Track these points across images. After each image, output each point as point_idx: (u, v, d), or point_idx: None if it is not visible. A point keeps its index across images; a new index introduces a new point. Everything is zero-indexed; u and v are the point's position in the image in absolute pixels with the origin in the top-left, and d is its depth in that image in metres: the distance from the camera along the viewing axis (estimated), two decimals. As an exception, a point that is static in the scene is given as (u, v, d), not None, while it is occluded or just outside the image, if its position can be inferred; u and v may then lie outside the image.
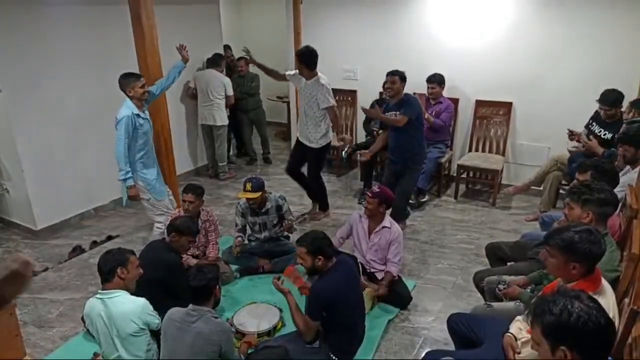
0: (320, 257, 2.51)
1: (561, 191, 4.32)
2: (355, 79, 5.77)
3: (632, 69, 4.18)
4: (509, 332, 2.01)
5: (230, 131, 6.07)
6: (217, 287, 2.42)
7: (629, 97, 3.90)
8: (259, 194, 3.46)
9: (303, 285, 2.85)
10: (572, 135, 3.99)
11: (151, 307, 2.44)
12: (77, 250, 4.14)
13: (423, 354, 2.58)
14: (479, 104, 5.07)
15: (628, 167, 3.20)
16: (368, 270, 3.35)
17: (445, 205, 4.94)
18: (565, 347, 1.37)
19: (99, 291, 2.41)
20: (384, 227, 3.28)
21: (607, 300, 1.85)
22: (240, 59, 6.04)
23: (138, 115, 3.46)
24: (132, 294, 2.43)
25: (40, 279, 3.68)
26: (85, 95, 4.49)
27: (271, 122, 7.39)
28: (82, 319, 2.75)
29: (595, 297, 1.53)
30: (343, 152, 4.45)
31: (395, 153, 4.14)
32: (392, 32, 5.29)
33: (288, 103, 6.83)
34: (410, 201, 4.52)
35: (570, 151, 4.17)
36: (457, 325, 2.42)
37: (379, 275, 3.30)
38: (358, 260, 3.27)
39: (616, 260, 2.25)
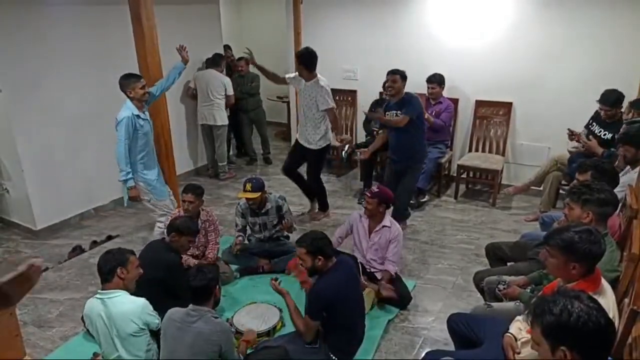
0: (320, 257, 2.51)
1: (561, 191, 4.32)
2: (355, 79, 5.77)
3: (632, 69, 4.17)
4: (509, 332, 2.01)
5: (230, 131, 6.07)
6: (217, 287, 2.42)
7: (629, 97, 3.90)
8: (259, 194, 3.46)
9: (305, 280, 2.85)
10: (572, 135, 3.98)
11: (151, 307, 2.44)
12: (77, 250, 4.14)
13: (423, 354, 2.58)
14: (479, 104, 5.07)
15: (628, 167, 3.20)
16: (368, 270, 3.35)
17: (445, 206, 4.94)
18: (565, 347, 1.37)
19: (99, 291, 2.41)
20: (384, 226, 3.29)
21: (607, 300, 1.85)
22: (240, 59, 6.05)
23: (138, 116, 3.46)
24: (132, 294, 2.43)
25: (40, 279, 3.67)
26: (85, 95, 4.49)
27: (271, 122, 7.39)
28: (82, 319, 2.75)
29: (595, 297, 1.53)
30: (343, 152, 4.46)
31: (396, 152, 4.14)
32: (392, 32, 5.29)
33: (288, 103, 6.84)
34: (410, 201, 4.52)
35: (570, 151, 4.17)
36: (457, 325, 2.42)
37: (379, 276, 3.30)
38: (358, 261, 3.27)
39: (616, 260, 2.25)
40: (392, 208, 3.82)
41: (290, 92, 6.39)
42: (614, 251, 2.26)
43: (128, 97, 3.46)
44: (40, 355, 2.91)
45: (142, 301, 2.41)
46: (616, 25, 4.26)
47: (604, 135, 3.93)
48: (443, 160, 4.98)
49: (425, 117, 4.51)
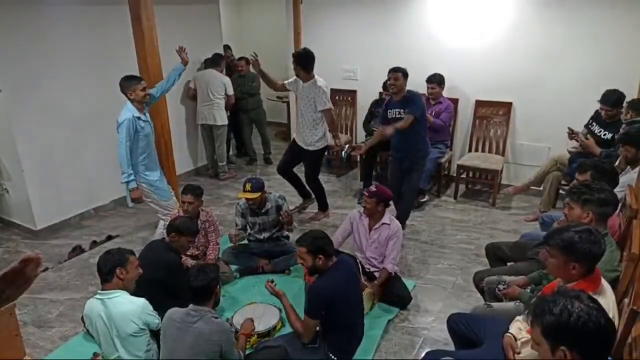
0: (320, 256, 2.51)
1: (561, 191, 4.32)
2: (355, 79, 5.77)
3: (632, 69, 4.17)
4: (509, 332, 2.01)
5: (230, 131, 6.07)
6: (218, 287, 2.42)
7: (629, 97, 3.89)
8: (259, 194, 3.46)
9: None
10: (572, 134, 3.98)
11: (151, 307, 2.44)
12: (77, 250, 4.14)
13: (423, 354, 2.59)
14: (479, 104, 5.07)
15: (628, 167, 3.20)
16: (367, 270, 3.35)
17: (445, 206, 4.94)
18: (565, 347, 1.37)
19: (99, 291, 2.41)
20: (383, 223, 3.30)
21: (607, 300, 1.85)
22: (240, 59, 6.05)
23: (139, 118, 3.46)
24: (132, 294, 2.43)
25: (40, 279, 3.67)
26: (85, 96, 4.49)
27: (271, 122, 7.39)
28: (82, 319, 2.75)
29: (595, 297, 1.52)
30: (343, 153, 4.46)
31: (400, 150, 4.13)
32: (392, 32, 5.30)
33: (288, 103, 6.84)
34: (414, 200, 4.51)
35: (570, 151, 4.17)
36: (457, 325, 2.42)
37: (378, 275, 3.30)
38: (358, 261, 3.27)
39: (616, 260, 2.25)
40: (392, 206, 3.83)
41: (290, 92, 6.38)
42: (614, 251, 2.26)
43: (129, 99, 3.46)
44: (40, 355, 2.91)
45: (142, 301, 2.41)
46: (616, 25, 4.26)
47: (604, 135, 3.93)
48: (443, 160, 4.98)
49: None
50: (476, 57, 4.90)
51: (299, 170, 4.63)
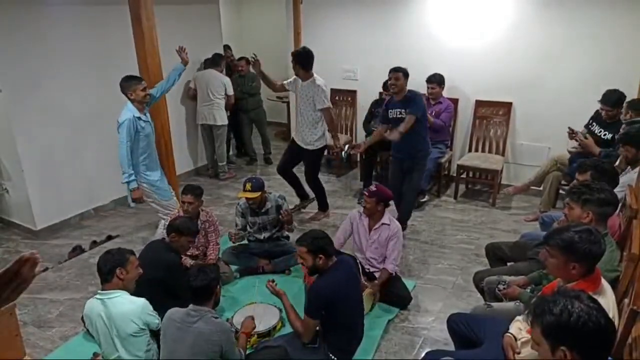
0: (321, 255, 2.50)
1: (561, 191, 4.32)
2: (355, 79, 5.77)
3: (632, 69, 4.17)
4: (509, 332, 2.01)
5: (230, 131, 6.07)
6: (218, 287, 2.42)
7: (629, 97, 3.89)
8: (259, 194, 3.46)
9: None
10: (572, 133, 3.97)
11: (151, 307, 2.44)
12: (77, 250, 4.14)
13: (423, 354, 2.59)
14: (479, 104, 5.07)
15: (628, 167, 3.20)
16: (367, 270, 3.35)
17: (445, 206, 4.94)
18: (565, 347, 1.37)
19: (99, 291, 2.41)
20: (383, 224, 3.30)
21: (607, 300, 1.85)
22: (240, 59, 6.05)
23: (139, 118, 3.47)
24: (132, 294, 2.43)
25: (40, 279, 3.68)
26: (85, 96, 4.49)
27: (271, 122, 7.39)
28: (82, 319, 2.75)
29: (595, 297, 1.52)
30: (343, 153, 4.46)
31: (401, 150, 4.13)
32: (392, 32, 5.29)
33: (288, 103, 6.84)
34: (415, 200, 4.51)
35: (570, 151, 4.17)
36: (457, 325, 2.42)
37: (378, 275, 3.30)
38: (358, 261, 3.27)
39: (616, 260, 2.25)
40: (392, 206, 3.82)
41: (290, 92, 6.38)
42: (614, 251, 2.26)
43: (129, 99, 3.46)
44: (40, 355, 2.91)
45: (142, 301, 2.41)
46: (616, 25, 4.26)
47: (604, 135, 3.93)
48: (443, 160, 4.98)
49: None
50: (476, 57, 4.90)
51: (299, 170, 4.63)
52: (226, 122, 5.66)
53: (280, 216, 3.58)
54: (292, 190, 4.71)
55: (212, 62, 5.52)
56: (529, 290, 2.44)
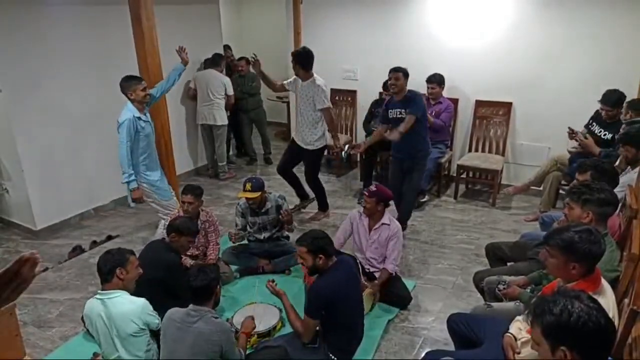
0: (321, 255, 2.50)
1: (561, 191, 4.32)
2: (355, 79, 5.77)
3: (632, 69, 4.17)
4: (509, 332, 2.01)
5: (230, 131, 6.07)
6: (218, 287, 2.42)
7: (629, 97, 3.89)
8: (259, 194, 3.46)
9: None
10: (572, 133, 3.97)
11: (151, 307, 2.44)
12: (77, 250, 4.14)
13: (423, 354, 2.59)
14: (479, 104, 5.07)
15: (628, 167, 3.20)
16: (367, 270, 3.35)
17: (445, 206, 4.94)
18: (565, 347, 1.37)
19: (99, 291, 2.41)
20: (383, 224, 3.30)
21: (607, 300, 1.85)
22: (241, 59, 6.05)
23: (139, 118, 3.47)
24: (132, 294, 2.43)
25: (40, 279, 3.68)
26: (85, 95, 4.49)
27: (271, 122, 7.39)
28: (82, 319, 2.75)
29: (595, 297, 1.53)
30: (343, 153, 4.46)
31: (401, 150, 4.12)
32: (392, 32, 5.29)
33: (288, 103, 6.84)
34: (415, 200, 4.51)
35: (570, 151, 4.17)
36: (457, 325, 2.42)
37: (378, 275, 3.30)
38: (358, 261, 3.27)
39: (616, 260, 2.25)
40: (392, 206, 3.82)
41: (290, 92, 6.38)
42: (614, 251, 2.26)
43: (129, 99, 3.46)
44: (40, 355, 2.91)
45: (142, 301, 2.41)
46: (616, 25, 4.26)
47: (604, 135, 3.93)
48: (443, 160, 4.98)
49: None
50: (476, 57, 4.90)
51: (299, 170, 4.64)
52: (226, 122, 5.66)
53: (280, 216, 3.58)
54: (292, 190, 4.70)
55: (212, 62, 5.52)
56: (529, 290, 2.43)
